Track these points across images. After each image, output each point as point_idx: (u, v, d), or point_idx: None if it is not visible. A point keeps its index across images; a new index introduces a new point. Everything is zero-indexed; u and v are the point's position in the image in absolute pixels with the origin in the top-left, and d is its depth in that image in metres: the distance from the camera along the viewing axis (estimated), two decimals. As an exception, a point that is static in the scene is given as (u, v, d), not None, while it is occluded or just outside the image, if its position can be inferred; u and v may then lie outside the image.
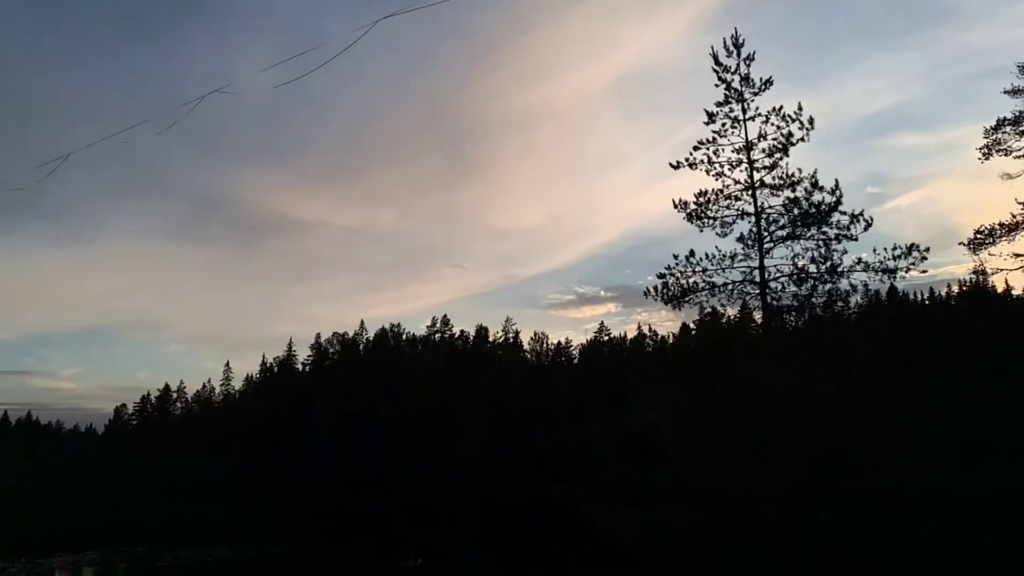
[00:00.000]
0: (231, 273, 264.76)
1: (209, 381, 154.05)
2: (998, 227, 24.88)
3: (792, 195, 16.49)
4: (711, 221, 17.14)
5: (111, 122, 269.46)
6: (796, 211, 16.34)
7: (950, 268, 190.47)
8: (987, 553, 27.00)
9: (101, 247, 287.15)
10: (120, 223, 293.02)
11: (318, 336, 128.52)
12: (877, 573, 14.11)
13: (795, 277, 16.62)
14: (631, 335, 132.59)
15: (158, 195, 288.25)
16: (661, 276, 17.25)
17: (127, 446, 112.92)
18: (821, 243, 16.34)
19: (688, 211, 16.93)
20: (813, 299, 17.10)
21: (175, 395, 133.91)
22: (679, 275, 17.15)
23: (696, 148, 17.43)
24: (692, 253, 16.80)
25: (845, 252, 16.26)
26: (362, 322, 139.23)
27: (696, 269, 17.06)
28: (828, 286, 16.45)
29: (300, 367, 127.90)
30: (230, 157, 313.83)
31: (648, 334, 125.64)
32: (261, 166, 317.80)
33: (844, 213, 15.97)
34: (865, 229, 16.05)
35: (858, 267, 16.05)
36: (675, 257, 17.09)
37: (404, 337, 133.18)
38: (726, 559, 16.16)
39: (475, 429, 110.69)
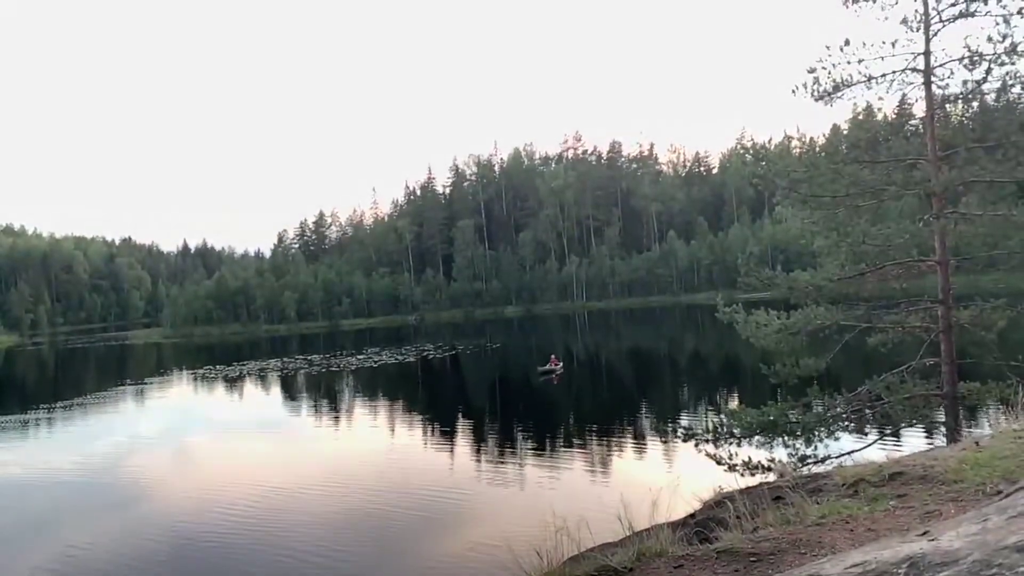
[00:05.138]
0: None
1: (359, 206, 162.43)
2: None
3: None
4: (869, 3, 15.45)
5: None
6: (972, -18, 14.42)
7: None
8: None
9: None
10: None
11: (455, 159, 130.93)
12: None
13: (966, 61, 14.95)
14: (776, 139, 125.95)
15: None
16: (811, 70, 15.95)
17: (290, 267, 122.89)
18: (1000, 19, 14.45)
19: (845, -8, 15.32)
20: (986, 85, 15.40)
21: (329, 220, 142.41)
22: (831, 68, 15.78)
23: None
24: (847, 42, 15.34)
25: (1030, 27, 14.35)
26: (495, 143, 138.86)
27: (851, 60, 15.60)
28: (1005, 68, 14.71)
29: (440, 189, 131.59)
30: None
31: (795, 136, 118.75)
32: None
33: (1033, -19, 13.94)
34: (1058, -3, 14.02)
35: (1044, 44, 14.21)
36: (827, 48, 15.69)
37: (537, 157, 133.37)
38: (868, 355, 16.16)
39: (608, 242, 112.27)
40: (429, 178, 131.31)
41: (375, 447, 27.68)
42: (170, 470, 25.49)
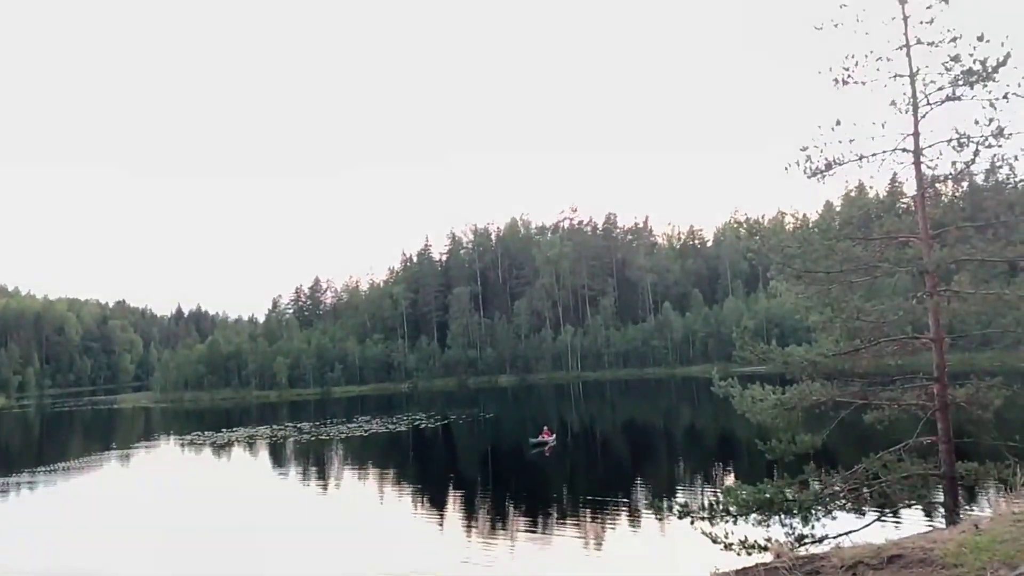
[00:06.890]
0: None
1: (354, 273, 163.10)
2: None
3: (953, 51, 14.88)
4: (860, 86, 15.82)
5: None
6: (958, 70, 14.80)
7: None
8: None
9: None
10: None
11: (451, 227, 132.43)
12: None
13: (954, 142, 15.25)
14: (770, 215, 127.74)
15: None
16: (803, 148, 16.22)
17: (283, 333, 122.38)
18: (986, 103, 14.80)
19: (833, 76, 15.71)
20: (974, 165, 15.66)
21: (324, 285, 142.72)
22: (823, 146, 16.06)
23: (842, 5, 15.95)
24: (838, 122, 15.65)
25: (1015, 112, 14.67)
26: (492, 213, 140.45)
27: (842, 139, 15.90)
28: (992, 151, 14.99)
29: (436, 256, 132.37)
30: None
31: (788, 212, 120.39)
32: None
33: (1016, 68, 14.29)
34: (1042, 83, 14.35)
35: (1029, 127, 14.48)
36: (819, 127, 16.00)
37: (533, 226, 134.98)
38: (867, 435, 16.02)
39: (603, 312, 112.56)
40: (426, 245, 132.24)
41: (362, 519, 27.03)
42: (151, 542, 24.77)
